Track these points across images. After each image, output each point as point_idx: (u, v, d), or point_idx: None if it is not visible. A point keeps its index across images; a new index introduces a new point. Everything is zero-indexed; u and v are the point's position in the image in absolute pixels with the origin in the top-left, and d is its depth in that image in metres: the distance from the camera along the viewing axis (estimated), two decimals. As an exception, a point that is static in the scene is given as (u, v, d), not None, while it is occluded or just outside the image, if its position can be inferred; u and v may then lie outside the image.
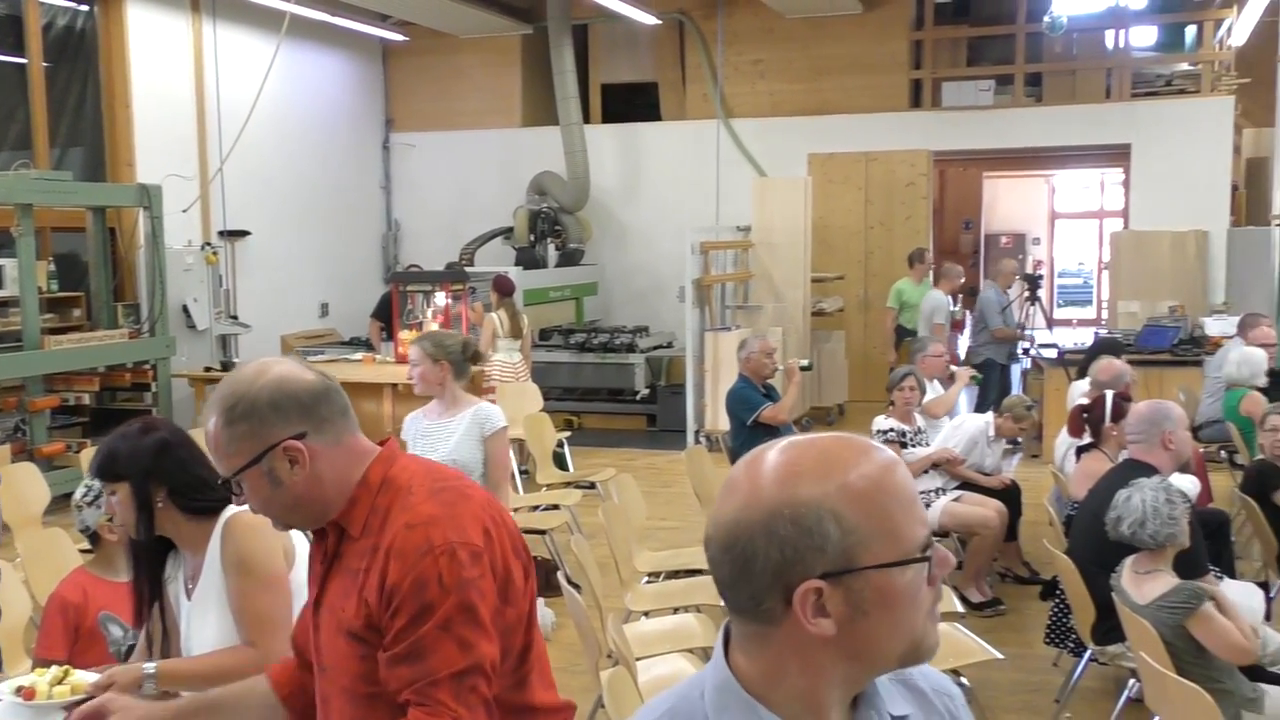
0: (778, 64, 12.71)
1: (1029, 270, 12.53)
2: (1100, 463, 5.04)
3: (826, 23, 12.27)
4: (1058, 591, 4.72)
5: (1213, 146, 11.33)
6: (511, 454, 7.70)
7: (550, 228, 12.52)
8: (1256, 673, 3.77)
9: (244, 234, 11.39)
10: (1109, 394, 5.35)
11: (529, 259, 12.21)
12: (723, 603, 1.20)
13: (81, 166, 10.11)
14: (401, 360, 8.27)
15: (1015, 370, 10.72)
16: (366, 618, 1.79)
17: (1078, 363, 7.85)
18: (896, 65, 12.36)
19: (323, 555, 1.92)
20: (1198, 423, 7.39)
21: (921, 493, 5.07)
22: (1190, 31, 12.75)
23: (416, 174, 13.80)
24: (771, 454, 1.17)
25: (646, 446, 10.39)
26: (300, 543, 2.53)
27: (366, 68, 13.56)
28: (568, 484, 7.36)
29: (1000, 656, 4.26)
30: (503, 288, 9.06)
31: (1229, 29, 11.82)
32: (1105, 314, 14.88)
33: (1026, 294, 10.02)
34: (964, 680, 4.35)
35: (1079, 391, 6.34)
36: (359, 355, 9.57)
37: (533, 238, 12.38)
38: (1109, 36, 12.34)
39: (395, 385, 7.94)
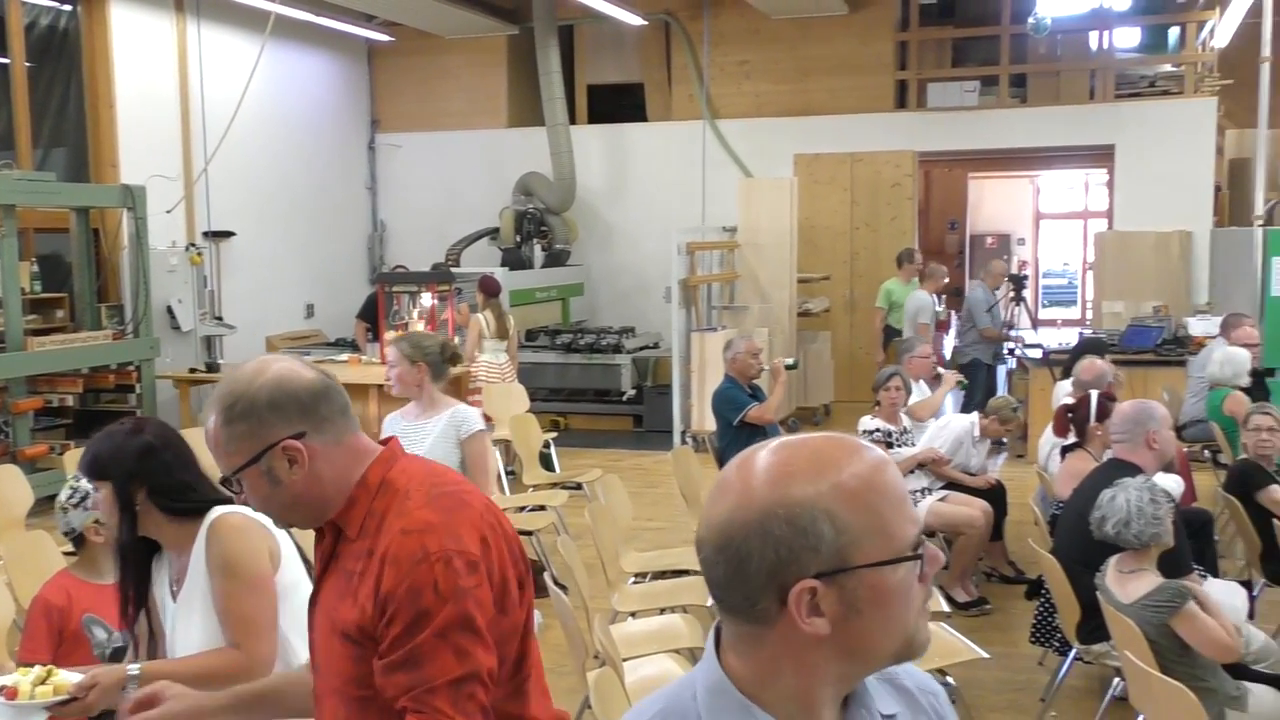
0: (763, 65, 12.73)
1: (1014, 270, 12.57)
2: (1085, 462, 5.06)
3: (812, 24, 12.30)
4: (1043, 591, 4.74)
5: (1196, 147, 11.40)
6: (497, 455, 7.72)
7: (536, 228, 12.51)
8: (1240, 671, 3.79)
9: (229, 235, 11.35)
10: (1094, 394, 5.38)
11: (515, 260, 12.20)
12: (714, 604, 1.20)
13: (65, 167, 10.06)
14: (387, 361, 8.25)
15: (1001, 370, 10.77)
16: (360, 623, 1.77)
17: (1062, 363, 7.88)
18: (882, 66, 12.39)
19: (320, 555, 1.92)
20: (1181, 422, 7.42)
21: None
22: (1173, 33, 12.82)
23: (402, 174, 13.77)
24: (763, 455, 1.17)
25: (633, 447, 10.39)
26: (285, 544, 2.53)
27: (352, 68, 13.53)
28: (554, 485, 7.36)
29: (986, 656, 4.27)
30: (489, 288, 9.05)
31: (1212, 31, 11.89)
32: (1090, 314, 14.95)
33: (1012, 294, 10.06)
34: (950, 679, 4.36)
35: (1064, 391, 6.37)
36: (344, 356, 9.54)
37: (519, 238, 12.37)
38: (1093, 38, 12.40)
39: (380, 386, 7.89)
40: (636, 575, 5.36)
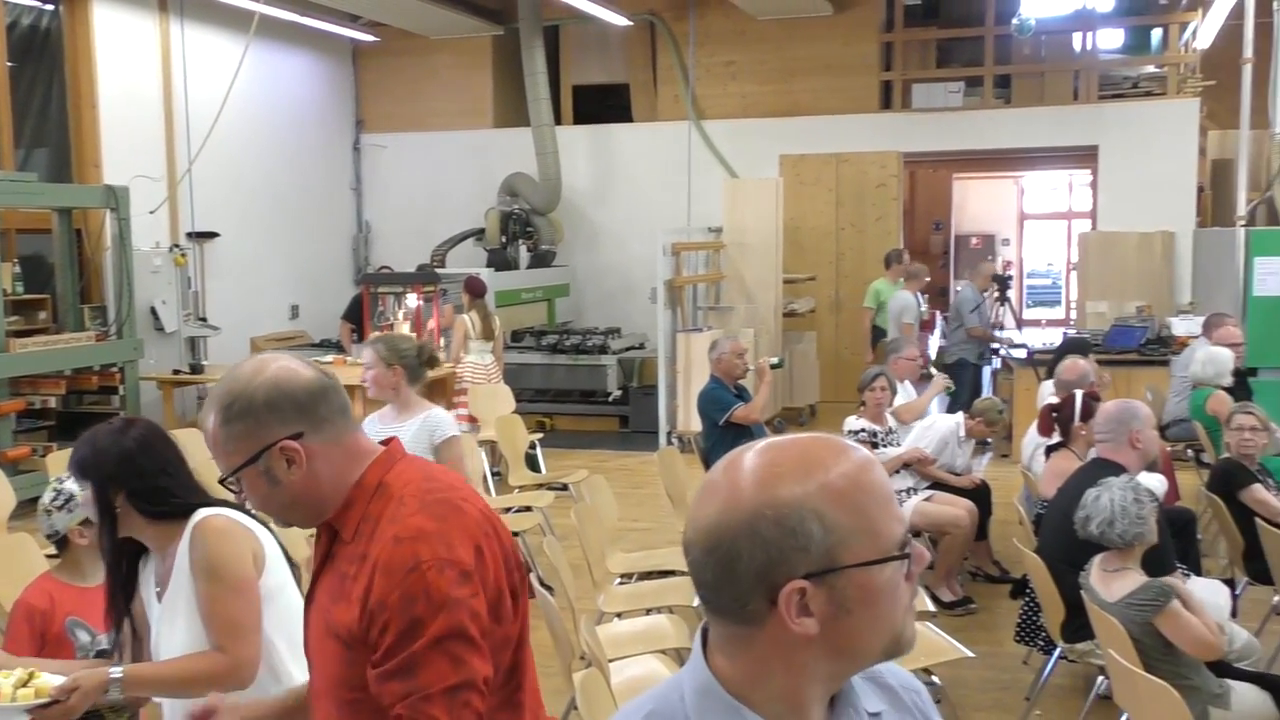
0: (749, 65, 12.74)
1: (999, 271, 12.61)
2: (1069, 461, 5.08)
3: (797, 25, 12.32)
4: (1027, 590, 4.75)
5: (1179, 148, 11.46)
6: (483, 456, 7.71)
7: (522, 229, 12.49)
8: (1223, 669, 3.81)
9: (213, 235, 11.30)
10: (1078, 393, 5.40)
11: (501, 260, 12.18)
12: (702, 605, 1.20)
13: (47, 167, 10.00)
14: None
15: (986, 370, 10.79)
16: (351, 626, 1.76)
17: (1046, 363, 7.91)
18: (867, 67, 12.42)
19: (317, 555, 1.91)
20: (1165, 422, 7.46)
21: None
22: (1156, 34, 12.89)
23: (387, 175, 13.74)
24: (750, 455, 1.17)
25: (619, 448, 10.38)
26: (270, 546, 2.51)
27: (337, 68, 13.49)
28: (540, 485, 7.35)
29: (971, 655, 4.29)
30: (474, 289, 9.04)
31: (1194, 32, 11.95)
32: (1074, 314, 15.01)
33: (996, 294, 10.10)
34: (936, 679, 4.37)
35: (1048, 391, 6.39)
36: (329, 357, 9.51)
37: (504, 239, 12.35)
38: (1076, 39, 12.46)
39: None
40: (622, 576, 5.36)
